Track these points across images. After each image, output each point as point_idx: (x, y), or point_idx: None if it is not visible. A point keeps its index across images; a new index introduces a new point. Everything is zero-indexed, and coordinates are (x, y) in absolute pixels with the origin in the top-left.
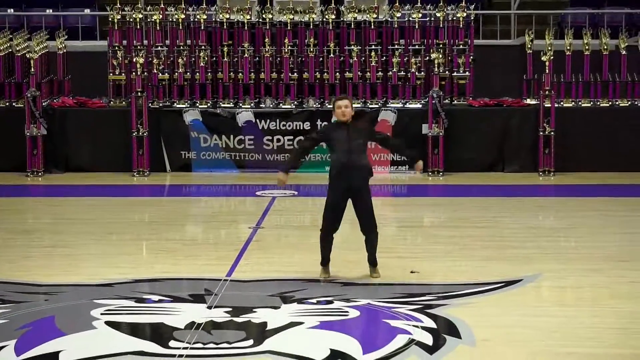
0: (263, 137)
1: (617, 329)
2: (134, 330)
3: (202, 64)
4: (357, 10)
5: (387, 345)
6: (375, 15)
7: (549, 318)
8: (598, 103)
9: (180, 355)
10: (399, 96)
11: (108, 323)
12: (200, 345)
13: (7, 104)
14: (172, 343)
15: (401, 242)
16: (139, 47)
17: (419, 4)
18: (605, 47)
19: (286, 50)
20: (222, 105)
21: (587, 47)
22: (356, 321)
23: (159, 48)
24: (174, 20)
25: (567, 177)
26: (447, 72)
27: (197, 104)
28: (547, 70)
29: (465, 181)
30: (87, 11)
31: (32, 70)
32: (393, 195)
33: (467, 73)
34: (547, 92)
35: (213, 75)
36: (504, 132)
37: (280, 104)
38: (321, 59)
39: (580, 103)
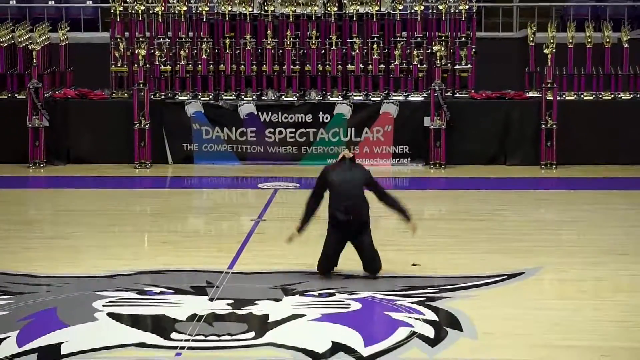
0: (265, 129)
1: (618, 322)
2: (136, 322)
3: (204, 56)
4: (359, 3)
5: (389, 337)
6: (377, 8)
7: (550, 311)
8: (600, 96)
9: (182, 347)
10: (401, 89)
11: (110, 315)
12: (201, 337)
13: (9, 95)
14: (173, 335)
15: (402, 235)
16: (141, 38)
17: None
18: (608, 40)
19: (288, 43)
20: (224, 97)
21: (589, 40)
22: (358, 314)
23: (161, 40)
24: (176, 12)
25: (569, 170)
26: (449, 64)
27: (199, 96)
28: (549, 63)
29: (467, 174)
30: (89, 3)
31: (34, 61)
32: (395, 187)
33: (469, 66)
34: (549, 85)
35: (215, 68)
36: (506, 125)
37: (282, 96)
38: (323, 51)
39: (582, 96)
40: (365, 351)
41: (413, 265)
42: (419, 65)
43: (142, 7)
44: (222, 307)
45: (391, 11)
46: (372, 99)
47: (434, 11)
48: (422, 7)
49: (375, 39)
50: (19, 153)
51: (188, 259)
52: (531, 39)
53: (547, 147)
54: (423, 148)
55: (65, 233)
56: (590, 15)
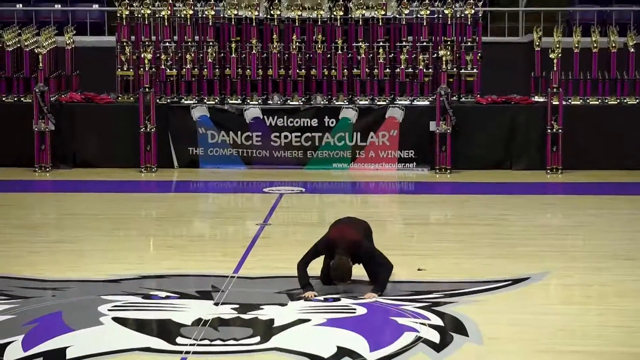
0: (270, 133)
1: (624, 327)
2: (141, 326)
3: (209, 60)
4: (365, 7)
5: (394, 342)
6: (383, 12)
7: (556, 316)
8: (606, 101)
9: (187, 352)
10: (406, 93)
11: (115, 319)
12: (207, 341)
13: (16, 99)
14: (179, 339)
15: (408, 240)
16: (147, 42)
17: (427, 1)
18: (614, 44)
19: (294, 47)
20: (230, 101)
21: (595, 45)
22: (363, 319)
23: (167, 44)
24: (182, 16)
25: (575, 175)
26: (455, 69)
27: (205, 100)
28: (555, 68)
29: (473, 179)
30: (95, 6)
31: (41, 65)
32: (400, 192)
33: (475, 70)
34: (555, 89)
35: (221, 72)
36: (511, 129)
37: (288, 101)
38: (329, 55)
39: (588, 101)
40: (371, 356)
41: (419, 270)
42: (424, 70)
43: (148, 11)
44: (227, 311)
45: (397, 15)
46: (378, 103)
47: (440, 16)
48: (428, 12)
49: (381, 44)
50: (24, 157)
51: (193, 263)
52: (537, 43)
53: (552, 152)
54: (429, 153)
55: (71, 237)
56: (596, 20)
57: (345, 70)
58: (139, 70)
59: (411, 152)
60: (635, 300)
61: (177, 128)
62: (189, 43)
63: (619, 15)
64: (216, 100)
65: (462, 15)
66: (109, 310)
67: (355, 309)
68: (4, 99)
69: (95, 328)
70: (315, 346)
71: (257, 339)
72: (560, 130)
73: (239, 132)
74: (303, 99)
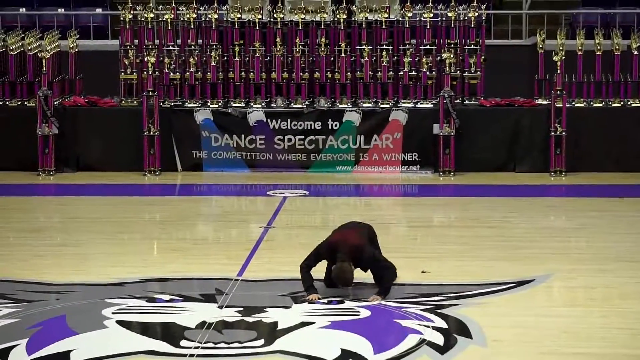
0: (274, 136)
1: (627, 329)
2: (145, 329)
3: (213, 64)
4: (368, 10)
5: (398, 345)
6: (386, 15)
7: (559, 318)
8: (610, 103)
9: (192, 355)
10: (410, 96)
11: (119, 322)
12: (211, 344)
13: (19, 103)
14: (183, 342)
15: (412, 242)
16: (150, 46)
17: (430, 4)
18: (617, 47)
19: (297, 50)
20: (233, 104)
21: (598, 47)
22: (367, 321)
23: (171, 47)
24: (185, 19)
25: (579, 178)
26: (458, 71)
27: (208, 104)
28: (558, 70)
29: (476, 181)
30: (98, 10)
31: (44, 69)
32: (404, 194)
33: (478, 73)
34: (558, 92)
35: (224, 75)
36: (515, 132)
37: (292, 104)
38: (332, 58)
39: (591, 103)
40: (375, 359)
41: (422, 272)
42: (428, 73)
43: (152, 15)
44: (231, 314)
45: (400, 18)
46: (382, 106)
47: (443, 18)
48: (431, 15)
49: (385, 46)
50: (28, 160)
51: (197, 267)
52: (540, 46)
53: (556, 155)
54: (432, 155)
55: (75, 241)
56: (599, 22)
57: (349, 73)
58: (143, 73)
59: (415, 155)
60: (638, 302)
61: (181, 131)
62: (193, 46)
63: (622, 17)
64: (220, 104)
65: (466, 18)
66: (113, 313)
67: (359, 312)
68: (7, 103)
69: (100, 331)
70: (319, 349)
71: (261, 341)
72: (563, 133)
73: (243, 135)
74: (306, 102)
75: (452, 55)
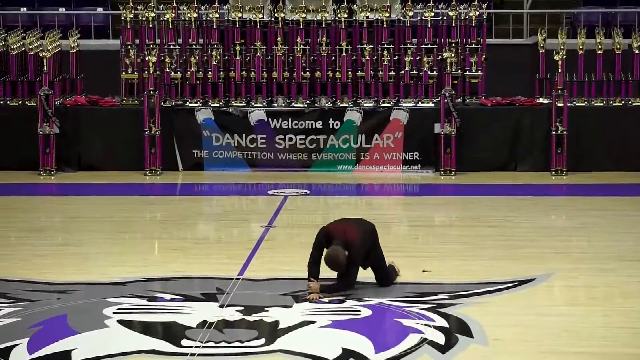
0: (275, 136)
1: (628, 328)
2: (146, 329)
3: (214, 63)
4: (369, 9)
5: (399, 344)
6: (387, 14)
7: (561, 317)
8: (611, 102)
9: (193, 354)
10: (411, 95)
11: (120, 322)
12: (212, 344)
13: (20, 102)
14: (184, 342)
15: (413, 242)
16: (151, 45)
17: (431, 3)
18: (618, 46)
19: (298, 49)
20: (234, 104)
21: (599, 47)
22: (368, 320)
23: (172, 47)
24: (186, 19)
25: (580, 177)
26: (459, 71)
27: (210, 103)
28: (559, 70)
29: (477, 180)
30: (99, 10)
31: (45, 69)
32: (405, 194)
33: (479, 72)
34: (559, 91)
35: (225, 74)
36: (516, 131)
37: (293, 103)
38: (333, 57)
39: (593, 102)
40: (376, 358)
41: (423, 271)
42: (429, 72)
43: (153, 14)
44: (232, 313)
45: (401, 18)
46: (383, 105)
47: (444, 18)
48: (433, 14)
49: (386, 46)
50: (29, 160)
51: (198, 266)
52: (541, 45)
53: (557, 154)
54: (433, 155)
55: (76, 240)
56: (600, 21)
57: (350, 73)
58: (144, 73)
59: (416, 154)
60: (639, 301)
61: (182, 131)
62: (194, 46)
63: (623, 16)
64: (221, 103)
65: (467, 17)
66: (114, 312)
67: (360, 311)
68: (8, 102)
69: (101, 331)
70: (320, 348)
71: (262, 340)
72: (565, 132)
73: (244, 135)
74: (307, 102)
75: (453, 55)
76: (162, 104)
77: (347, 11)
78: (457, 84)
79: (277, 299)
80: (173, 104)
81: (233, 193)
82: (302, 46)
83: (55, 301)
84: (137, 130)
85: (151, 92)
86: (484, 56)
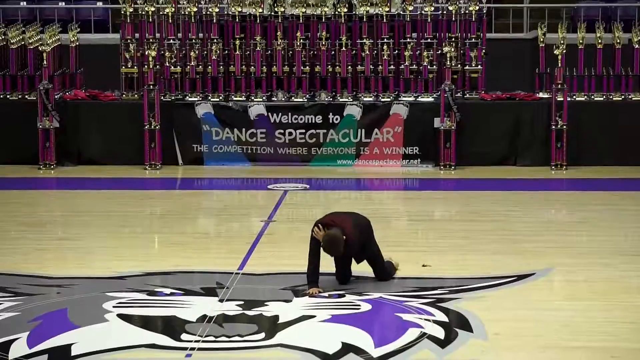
0: (275, 130)
1: (629, 322)
2: (146, 323)
3: (214, 57)
4: (369, 4)
5: (399, 338)
6: (387, 9)
7: (561, 312)
8: (611, 97)
9: (192, 349)
10: (411, 90)
11: (120, 316)
12: (212, 338)
13: (20, 96)
14: (184, 336)
15: (412, 236)
16: (151, 40)
17: None
18: (618, 40)
19: (298, 44)
20: (234, 98)
21: (599, 41)
22: (368, 315)
23: (171, 41)
24: (186, 13)
25: (580, 171)
26: (459, 65)
27: (209, 97)
28: (559, 64)
29: (477, 175)
30: (99, 4)
31: (45, 63)
32: (405, 188)
33: (479, 66)
34: (559, 85)
35: (225, 69)
36: (516, 126)
37: (292, 98)
38: (333, 52)
39: (592, 97)
40: (375, 352)
41: (423, 266)
42: (429, 67)
43: (152, 9)
44: (232, 308)
45: (401, 12)
46: (382, 100)
47: (444, 12)
48: (432, 8)
49: (385, 40)
50: (29, 154)
51: (198, 260)
52: (541, 40)
53: (557, 148)
54: (433, 149)
55: (75, 234)
56: (600, 16)
57: (350, 67)
58: (143, 67)
59: (415, 149)
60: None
61: (182, 125)
62: (193, 40)
63: (623, 11)
64: (220, 98)
65: (467, 11)
66: (114, 307)
67: (359, 305)
68: (8, 96)
69: (101, 325)
70: (320, 342)
71: (262, 335)
72: (564, 127)
73: (244, 129)
74: (307, 96)
75: (453, 49)
76: (162, 98)
77: (347, 5)
78: (457, 78)
79: (277, 294)
80: (173, 98)
81: (233, 188)
82: (302, 41)
83: (55, 295)
84: (137, 125)
85: (151, 86)
86: (483, 51)
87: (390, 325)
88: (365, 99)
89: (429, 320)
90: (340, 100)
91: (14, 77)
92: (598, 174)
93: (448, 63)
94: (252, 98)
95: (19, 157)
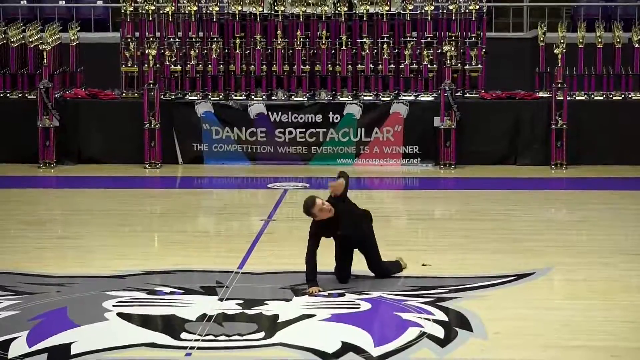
0: (275, 129)
1: (628, 322)
2: (146, 322)
3: (214, 56)
4: (369, 3)
5: (399, 338)
6: (387, 8)
7: (561, 311)
8: (611, 96)
9: (192, 347)
10: (411, 89)
11: (120, 315)
12: (211, 337)
13: (20, 95)
14: (183, 335)
15: (412, 235)
16: (151, 39)
17: None
18: (618, 40)
19: (298, 43)
20: (234, 97)
21: (599, 40)
22: (368, 314)
23: (172, 40)
24: (187, 12)
25: (579, 170)
26: (459, 64)
27: (209, 96)
28: (559, 63)
29: (477, 174)
30: (99, 3)
31: (45, 61)
32: (405, 187)
33: (479, 66)
34: (559, 85)
35: (225, 68)
36: (516, 125)
37: (292, 97)
38: (333, 51)
39: (592, 96)
40: (375, 351)
41: (423, 265)
42: (429, 65)
43: (153, 7)
44: (232, 307)
45: (401, 11)
46: (382, 99)
47: (444, 11)
48: (432, 7)
49: (385, 39)
50: (29, 153)
51: (198, 259)
52: (541, 39)
53: (557, 147)
54: (433, 148)
55: (75, 233)
56: (600, 15)
57: (350, 66)
58: (143, 66)
59: (415, 148)
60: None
61: (182, 124)
62: (193, 39)
63: (623, 10)
64: (220, 96)
65: (467, 10)
66: (113, 305)
67: (359, 305)
68: (8, 95)
69: (100, 324)
70: (320, 341)
71: (262, 334)
72: (564, 126)
73: (244, 128)
74: (307, 95)
75: (453, 48)
76: (162, 97)
77: (347, 5)
78: (457, 77)
79: (277, 293)
80: (173, 97)
81: (233, 186)
82: (302, 39)
83: (55, 294)
84: (137, 124)
85: (151, 85)
86: (483, 50)
87: (390, 325)
88: (365, 98)
89: (428, 319)
90: (340, 99)
91: (14, 75)
92: (598, 173)
93: (448, 62)
94: (252, 97)
95: (19, 155)
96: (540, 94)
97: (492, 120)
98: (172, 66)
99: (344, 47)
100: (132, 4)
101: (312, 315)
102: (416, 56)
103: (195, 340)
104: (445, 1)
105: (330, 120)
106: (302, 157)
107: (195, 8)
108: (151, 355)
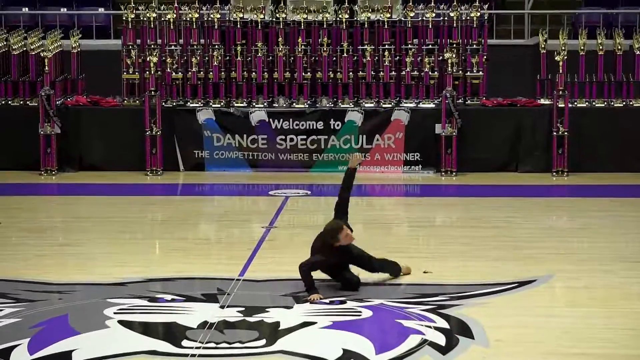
0: (276, 136)
1: (630, 329)
2: (147, 329)
3: (215, 63)
4: (370, 10)
5: (400, 345)
6: (388, 15)
7: (562, 318)
8: (612, 103)
9: (193, 355)
10: (412, 96)
11: (121, 322)
12: (213, 344)
13: (21, 102)
14: (184, 342)
15: (414, 242)
16: (152, 46)
17: (432, 4)
18: (620, 47)
19: (300, 50)
20: (236, 104)
21: (601, 47)
22: (369, 321)
23: (173, 47)
24: (188, 19)
25: (581, 178)
26: (460, 71)
27: (211, 103)
28: (560, 70)
29: (479, 181)
30: (101, 10)
31: (46, 69)
32: (406, 195)
33: (480, 73)
34: (560, 92)
35: (226, 75)
36: (517, 132)
37: (294, 104)
38: (334, 58)
39: (594, 103)
40: (376, 359)
41: (424, 272)
42: (430, 73)
43: (154, 15)
44: (233, 314)
45: (402, 18)
46: (384, 106)
47: (446, 18)
48: (434, 14)
49: (387, 46)
50: (30, 160)
51: (199, 266)
52: (543, 46)
53: (558, 155)
54: (434, 155)
55: (76, 240)
56: (601, 22)
57: (351, 73)
58: (145, 73)
59: (417, 155)
60: None
61: (183, 131)
62: (195, 46)
63: (624, 17)
64: (222, 104)
65: (468, 17)
66: (114, 313)
67: (360, 312)
68: (9, 102)
69: (101, 331)
70: (321, 349)
71: (263, 341)
72: (566, 133)
73: (245, 135)
74: (309, 102)
75: (454, 55)
76: (163, 104)
77: (348, 12)
78: (458, 84)
79: (278, 300)
80: (174, 104)
81: (234, 193)
82: (303, 47)
83: (57, 301)
84: (138, 131)
85: (152, 92)
86: (485, 57)
87: (391, 332)
88: (366, 105)
89: (430, 326)
90: (342, 106)
91: (16, 82)
92: (599, 180)
93: (449, 69)
94: (254, 104)
95: (20, 162)
96: (542, 101)
97: (494, 127)
98: (174, 73)
99: (345, 54)
100: (134, 12)
101: (314, 323)
102: (417, 63)
103: (197, 347)
104: (447, 8)
105: (332, 128)
106: (303, 164)
107: (196, 15)
108: None
